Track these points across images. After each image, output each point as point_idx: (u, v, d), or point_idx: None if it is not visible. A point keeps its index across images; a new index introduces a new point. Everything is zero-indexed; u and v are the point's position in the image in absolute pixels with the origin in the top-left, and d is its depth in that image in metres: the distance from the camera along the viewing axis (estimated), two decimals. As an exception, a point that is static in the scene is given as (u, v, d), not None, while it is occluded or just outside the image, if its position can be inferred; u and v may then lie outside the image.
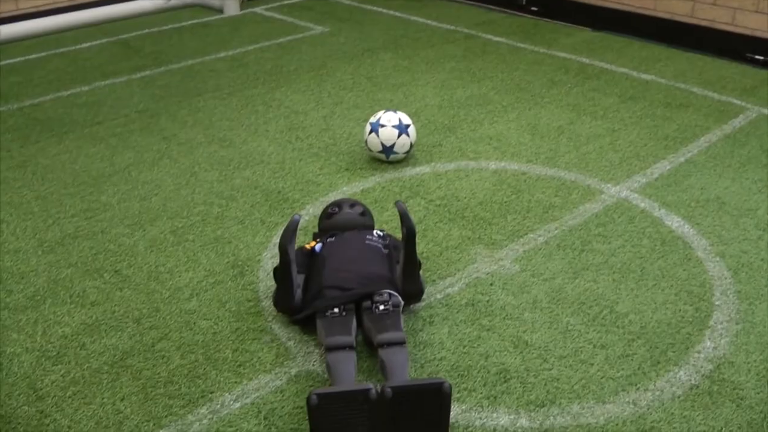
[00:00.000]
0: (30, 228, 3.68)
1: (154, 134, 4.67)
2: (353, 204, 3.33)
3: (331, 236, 3.15)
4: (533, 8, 7.01)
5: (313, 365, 2.75)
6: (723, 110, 4.82)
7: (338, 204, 3.33)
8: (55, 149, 4.50)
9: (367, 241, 3.10)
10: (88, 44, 6.46)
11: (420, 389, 2.34)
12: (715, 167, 4.10)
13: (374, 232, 3.19)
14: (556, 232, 3.55)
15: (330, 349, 2.61)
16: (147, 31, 6.79)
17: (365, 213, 3.33)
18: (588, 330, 2.91)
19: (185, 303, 3.11)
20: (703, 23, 5.94)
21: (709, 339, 2.85)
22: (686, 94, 5.09)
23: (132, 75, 5.69)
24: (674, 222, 3.60)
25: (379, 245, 3.10)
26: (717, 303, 3.04)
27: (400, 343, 2.62)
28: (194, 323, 2.99)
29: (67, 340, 2.92)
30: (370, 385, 2.33)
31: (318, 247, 3.10)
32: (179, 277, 3.28)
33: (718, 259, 3.32)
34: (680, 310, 3.01)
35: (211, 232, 3.60)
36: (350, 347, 2.62)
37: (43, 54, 6.24)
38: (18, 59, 6.13)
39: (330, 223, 3.27)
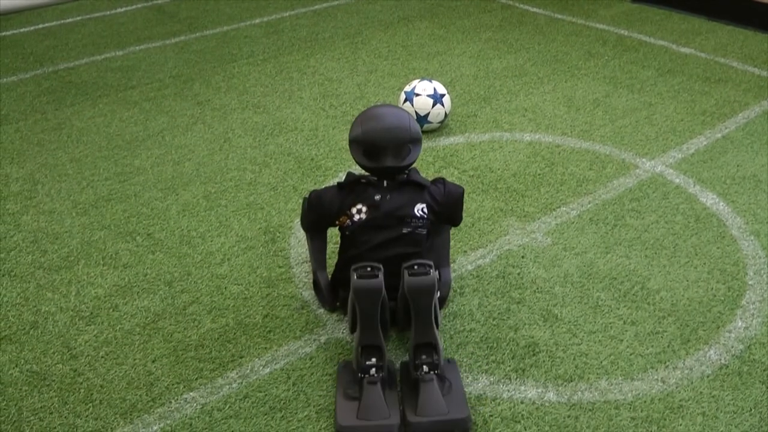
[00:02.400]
0: (65, 190, 3.72)
1: (188, 99, 4.68)
2: (399, 145, 2.59)
3: (361, 211, 2.65)
4: (572, -22, 6.89)
5: (343, 333, 2.76)
6: (763, 86, 4.72)
7: (377, 147, 2.59)
8: (90, 112, 4.53)
9: (405, 230, 2.65)
10: (123, 9, 6.48)
11: (444, 426, 2.38)
12: (753, 144, 4.03)
13: (417, 209, 2.65)
14: (589, 206, 3.52)
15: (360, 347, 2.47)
16: (182, -5, 6.79)
17: (412, 167, 2.70)
18: (618, 306, 2.89)
19: (216, 268, 3.14)
20: (746, -4, 5.81)
21: (741, 319, 2.82)
22: (726, 69, 4.99)
23: (166, 40, 5.70)
24: (709, 199, 3.55)
25: (421, 231, 2.66)
26: (750, 282, 3.00)
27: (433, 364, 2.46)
28: (225, 288, 3.02)
29: (100, 301, 2.97)
30: (394, 429, 2.35)
31: (348, 225, 2.66)
32: (211, 241, 3.30)
33: (752, 237, 3.27)
34: (712, 289, 2.97)
35: (243, 197, 3.62)
36: (379, 350, 2.47)
37: (78, 18, 6.27)
38: (54, 23, 6.16)
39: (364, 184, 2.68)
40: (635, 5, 6.32)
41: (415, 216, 2.64)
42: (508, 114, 4.41)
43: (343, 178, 2.72)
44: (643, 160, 3.90)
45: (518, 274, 3.07)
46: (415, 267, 2.46)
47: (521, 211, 3.49)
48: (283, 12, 6.29)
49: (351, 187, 2.66)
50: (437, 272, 2.61)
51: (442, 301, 2.81)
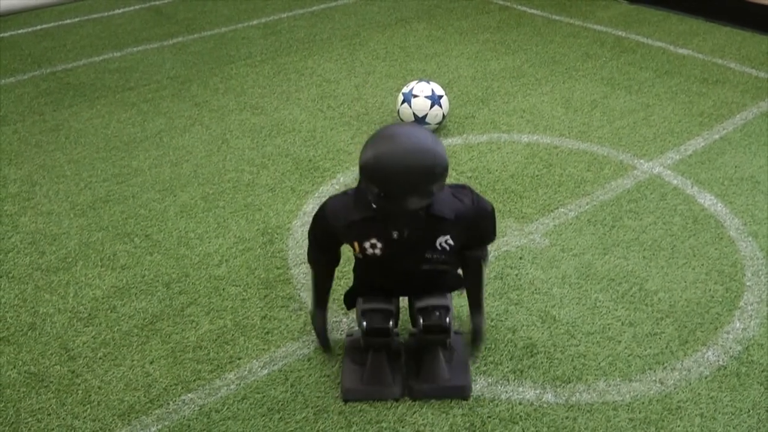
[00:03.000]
0: (62, 191, 3.72)
1: (186, 101, 4.68)
2: (414, 185, 2.08)
3: (375, 246, 2.29)
4: (569, -20, 6.90)
5: (341, 334, 2.76)
6: (761, 87, 4.73)
7: (395, 193, 2.09)
8: (88, 114, 4.53)
9: (425, 266, 2.36)
10: (121, 10, 6.48)
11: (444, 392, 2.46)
12: (750, 145, 4.03)
13: (439, 242, 2.29)
14: (587, 207, 3.52)
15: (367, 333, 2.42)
16: (180, -4, 6.79)
17: (432, 195, 2.15)
18: (616, 307, 2.89)
19: (215, 269, 3.13)
20: (744, -3, 5.82)
21: (739, 320, 2.82)
22: (723, 70, 5.00)
23: (164, 41, 5.70)
24: (707, 200, 3.56)
25: (443, 267, 2.38)
26: (748, 284, 3.01)
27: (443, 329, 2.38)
28: (223, 289, 3.01)
29: (98, 302, 2.96)
30: (397, 394, 2.47)
31: (359, 256, 2.38)
32: (209, 243, 3.30)
33: (750, 239, 3.28)
34: (710, 290, 2.98)
35: (241, 199, 3.62)
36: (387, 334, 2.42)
37: (76, 19, 6.26)
38: (51, 24, 6.16)
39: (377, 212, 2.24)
40: (633, 6, 6.33)
41: (436, 250, 2.30)
42: (505, 115, 4.41)
43: (353, 186, 2.35)
44: (641, 161, 3.90)
45: (516, 275, 3.07)
46: (430, 315, 2.38)
47: (519, 212, 3.49)
48: (281, 13, 6.29)
49: (365, 222, 2.25)
50: (451, 321, 2.44)
51: (476, 349, 2.57)
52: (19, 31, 6.00)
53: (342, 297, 2.69)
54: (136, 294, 3.00)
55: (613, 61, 5.19)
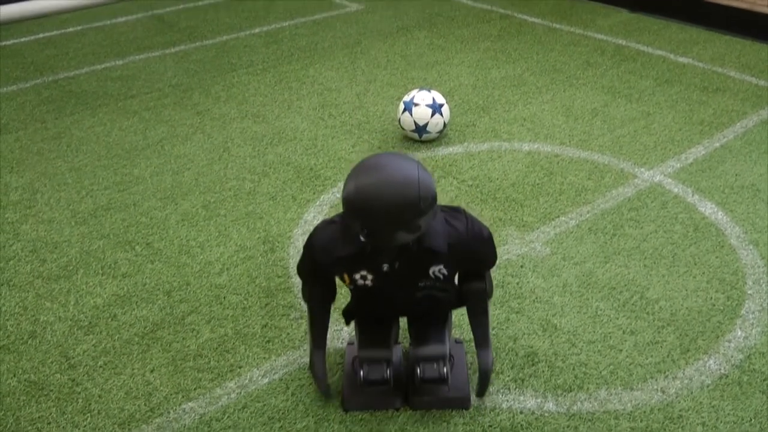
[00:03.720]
0: (64, 199, 3.72)
1: (188, 109, 4.69)
2: (399, 220, 2.00)
3: (366, 278, 2.24)
4: (570, -12, 6.92)
5: (341, 343, 2.76)
6: (761, 95, 4.73)
7: (370, 219, 2.01)
8: (90, 122, 4.54)
9: (419, 294, 2.30)
10: (123, 18, 6.50)
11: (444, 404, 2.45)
12: (751, 153, 4.03)
13: (433, 271, 2.23)
14: (588, 215, 3.52)
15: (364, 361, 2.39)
16: (182, 6, 6.81)
17: (419, 229, 2.06)
18: (618, 315, 2.89)
19: (215, 277, 3.13)
20: (743, 6, 5.82)
21: (740, 328, 2.82)
22: (723, 78, 5.01)
23: (166, 50, 5.72)
24: (707, 208, 3.56)
25: (437, 293, 2.32)
26: (749, 292, 3.01)
27: (440, 358, 2.36)
28: (224, 298, 3.01)
29: (99, 310, 2.96)
30: (397, 404, 2.46)
31: (351, 287, 2.33)
32: (210, 251, 3.30)
33: (751, 247, 3.28)
34: (711, 298, 2.97)
35: (242, 207, 3.62)
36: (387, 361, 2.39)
37: (79, 27, 6.28)
38: (54, 32, 6.18)
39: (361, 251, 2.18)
40: (633, 15, 6.34)
41: (430, 278, 2.24)
42: (506, 124, 4.42)
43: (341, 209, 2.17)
44: (642, 169, 3.90)
45: (517, 283, 3.07)
46: (428, 369, 2.35)
47: (520, 220, 3.49)
48: (283, 22, 6.30)
49: (353, 256, 2.19)
50: (449, 366, 2.42)
51: (482, 391, 2.48)
52: (22, 39, 6.02)
53: (341, 308, 2.68)
54: (136, 302, 3.00)
55: (614, 69, 5.20)
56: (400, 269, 2.19)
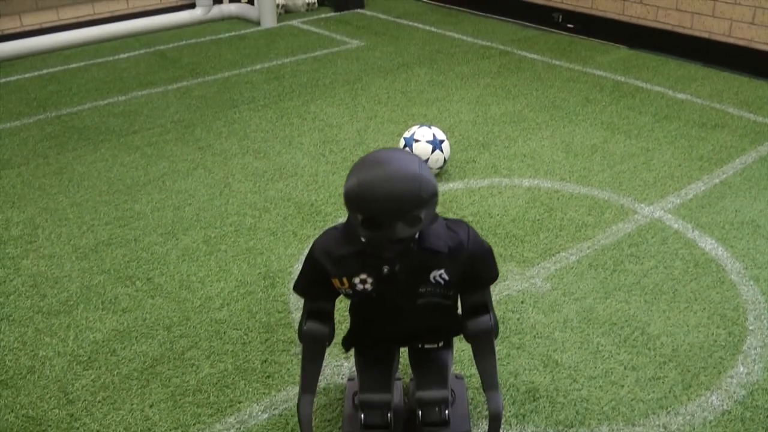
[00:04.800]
0: (65, 234, 3.73)
1: (189, 144, 4.72)
2: (399, 210, 1.97)
3: (365, 282, 2.20)
4: (569, 25, 7.00)
5: (342, 379, 2.75)
6: (759, 131, 4.76)
7: (371, 210, 1.99)
8: (91, 157, 4.56)
9: (420, 301, 2.24)
10: (126, 55, 6.56)
11: None
12: (750, 189, 4.05)
13: (434, 276, 2.19)
14: (588, 251, 3.52)
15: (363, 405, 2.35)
16: (185, 42, 6.88)
17: (421, 221, 2.03)
18: (619, 351, 2.88)
19: (216, 312, 3.13)
20: (741, 42, 5.88)
21: (743, 364, 2.81)
22: (722, 115, 5.04)
23: (169, 85, 5.76)
24: (708, 244, 3.56)
25: (439, 300, 2.26)
26: (751, 328, 3.00)
27: (441, 402, 2.32)
28: (224, 333, 3.01)
29: (98, 345, 2.95)
30: None
31: (349, 294, 2.26)
32: (210, 286, 3.30)
33: (752, 283, 3.28)
34: (713, 334, 2.97)
35: (243, 242, 3.63)
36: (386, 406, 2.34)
37: (82, 63, 6.34)
38: (58, 68, 6.24)
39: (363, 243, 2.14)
40: (632, 51, 6.40)
41: (430, 284, 2.20)
42: (506, 160, 4.44)
43: (344, 220, 2.20)
44: (642, 205, 3.91)
45: (518, 319, 3.06)
46: (430, 412, 2.31)
47: (520, 256, 3.49)
48: (284, 58, 6.37)
49: (355, 256, 2.16)
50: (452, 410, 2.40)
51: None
52: (26, 75, 6.08)
53: (341, 339, 2.67)
54: (136, 337, 3.00)
55: (613, 105, 5.24)
56: (401, 272, 2.16)
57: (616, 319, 3.05)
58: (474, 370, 2.76)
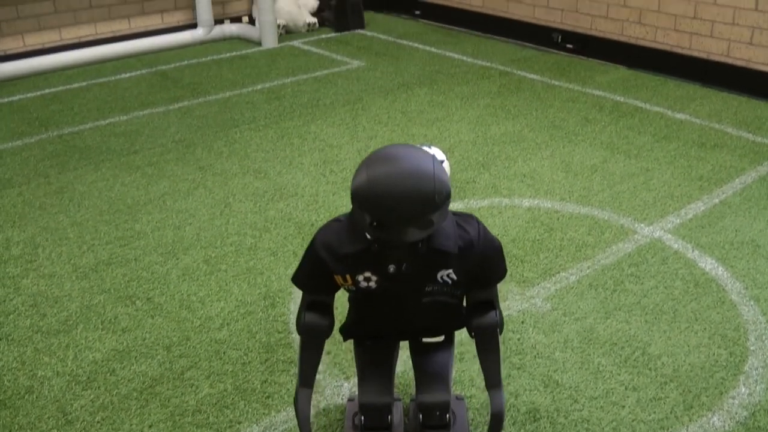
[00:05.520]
0: (65, 253, 3.73)
1: (190, 164, 4.73)
2: (412, 214, 1.88)
3: (369, 279, 2.11)
4: (568, 45, 7.03)
5: (342, 399, 2.74)
6: (758, 151, 4.78)
7: (381, 212, 1.89)
8: (92, 177, 4.57)
9: (425, 299, 2.16)
10: (127, 75, 6.59)
11: None
12: (750, 209, 4.05)
13: (441, 275, 2.12)
14: (588, 271, 3.52)
15: (362, 408, 2.31)
16: (186, 62, 6.91)
17: (431, 225, 1.93)
18: (620, 371, 2.87)
19: (216, 332, 3.12)
20: (739, 63, 5.91)
21: (744, 385, 2.80)
22: (721, 135, 5.06)
23: (170, 105, 5.79)
24: (708, 264, 3.56)
25: (445, 299, 2.19)
26: (752, 348, 2.99)
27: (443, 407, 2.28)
28: (224, 353, 3.00)
29: (98, 365, 2.95)
30: None
31: (352, 290, 2.19)
32: (210, 306, 3.30)
33: (752, 303, 3.27)
34: (714, 354, 2.96)
35: (243, 262, 3.63)
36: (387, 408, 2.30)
37: (84, 83, 6.37)
38: (60, 88, 6.26)
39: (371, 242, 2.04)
40: (631, 72, 6.43)
41: (437, 283, 2.13)
42: (506, 180, 4.45)
43: (348, 212, 2.11)
44: (642, 225, 3.92)
45: (518, 339, 3.06)
46: (431, 415, 2.27)
47: (520, 276, 3.49)
48: (285, 78, 6.39)
49: (359, 254, 2.07)
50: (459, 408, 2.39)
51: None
52: (28, 95, 6.10)
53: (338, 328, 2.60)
54: (136, 357, 2.99)
55: (612, 125, 5.25)
56: (407, 272, 2.06)
57: (616, 339, 3.05)
58: (475, 390, 2.76)
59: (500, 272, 2.21)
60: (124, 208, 4.18)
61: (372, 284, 2.11)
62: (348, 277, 2.11)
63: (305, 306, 2.22)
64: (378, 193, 1.86)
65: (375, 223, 1.90)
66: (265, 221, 4.01)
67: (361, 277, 2.10)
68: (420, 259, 2.04)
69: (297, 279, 2.23)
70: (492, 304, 2.23)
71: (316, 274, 2.15)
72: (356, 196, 1.92)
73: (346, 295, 2.27)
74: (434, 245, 2.03)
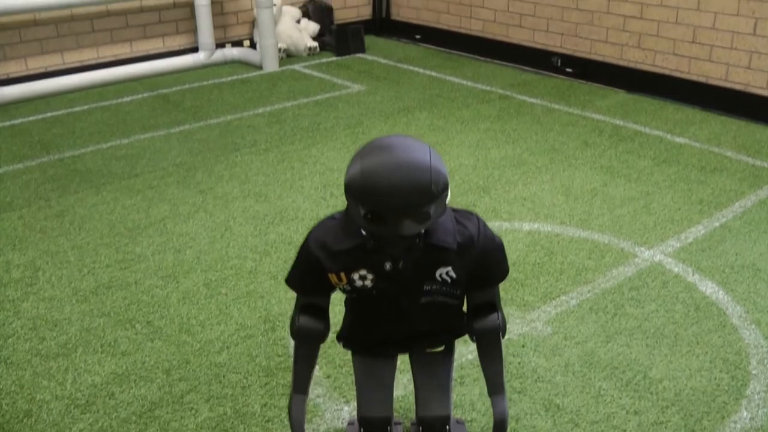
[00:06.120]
0: (65, 277, 3.73)
1: (191, 187, 4.74)
2: (408, 206, 1.82)
3: (365, 278, 2.03)
4: (568, 70, 7.07)
5: (342, 423, 2.73)
6: (758, 175, 4.79)
7: (375, 203, 1.82)
8: (93, 200, 4.58)
9: (423, 299, 2.09)
10: (129, 98, 6.62)
11: None
12: (750, 233, 4.05)
13: (440, 273, 2.04)
14: (588, 294, 3.52)
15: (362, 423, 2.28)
16: (187, 86, 6.94)
17: (430, 217, 1.88)
18: (621, 395, 2.86)
19: (215, 356, 3.12)
20: (738, 87, 5.94)
21: (746, 409, 2.79)
22: (720, 158, 5.07)
23: (171, 129, 5.81)
24: (708, 287, 3.56)
25: (444, 299, 2.11)
26: (754, 372, 2.98)
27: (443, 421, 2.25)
28: (224, 376, 2.99)
29: (97, 389, 2.94)
30: None
31: (347, 289, 2.10)
32: (210, 329, 3.29)
33: (753, 326, 3.26)
34: (715, 378, 2.95)
35: (244, 286, 3.62)
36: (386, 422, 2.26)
37: (85, 107, 6.39)
38: (62, 111, 6.29)
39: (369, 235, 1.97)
40: (630, 96, 6.46)
41: (436, 281, 2.04)
42: (506, 203, 4.45)
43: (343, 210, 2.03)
44: (642, 248, 3.92)
45: (519, 363, 3.05)
46: (431, 427, 2.23)
47: (521, 300, 3.49)
48: (286, 102, 6.42)
49: (354, 251, 2.00)
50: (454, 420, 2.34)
51: None
52: (30, 118, 6.12)
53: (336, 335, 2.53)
54: (135, 381, 2.98)
55: (612, 149, 5.27)
56: (404, 269, 1.99)
57: (617, 363, 3.04)
58: (476, 414, 2.75)
59: (502, 271, 2.14)
60: (125, 231, 4.18)
61: (368, 283, 2.03)
62: (342, 275, 2.03)
63: (299, 309, 2.15)
64: (372, 183, 1.79)
65: (369, 216, 1.83)
66: (265, 245, 4.01)
67: (356, 276, 2.02)
68: (417, 255, 1.98)
69: (290, 280, 2.16)
70: (493, 306, 2.16)
71: (310, 273, 2.08)
72: (350, 187, 1.85)
73: (342, 301, 2.22)
74: (432, 241, 1.96)
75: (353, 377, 2.34)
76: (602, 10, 6.72)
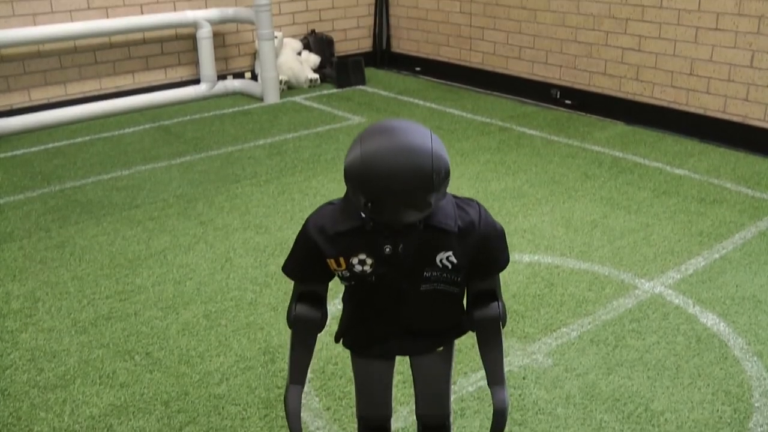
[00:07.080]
0: (65, 308, 3.72)
1: (191, 219, 4.75)
2: (409, 195, 1.79)
3: (364, 262, 1.98)
4: (567, 101, 7.12)
5: (343, 431, 2.71)
6: (757, 206, 4.79)
7: (375, 192, 1.79)
8: (94, 231, 4.58)
9: (423, 286, 2.03)
10: (131, 129, 6.65)
11: None
12: (751, 264, 4.05)
13: (440, 258, 1.99)
14: (589, 326, 3.51)
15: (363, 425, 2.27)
16: (189, 117, 6.98)
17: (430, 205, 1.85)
18: (623, 428, 2.84)
19: (215, 387, 3.10)
20: (735, 119, 5.97)
21: (748, 442, 2.77)
22: (720, 190, 5.08)
23: (172, 160, 5.83)
24: (709, 319, 3.55)
25: (445, 287, 2.05)
26: (756, 404, 2.97)
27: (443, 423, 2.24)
28: (223, 408, 2.97)
29: (95, 420, 2.92)
30: None
31: (345, 275, 2.03)
32: (210, 361, 3.28)
33: (755, 359, 3.25)
34: (718, 411, 2.93)
35: (243, 317, 3.62)
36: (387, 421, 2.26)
37: (87, 138, 6.42)
38: (64, 142, 6.32)
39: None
40: (629, 127, 6.49)
41: (437, 267, 1.99)
42: (507, 235, 4.44)
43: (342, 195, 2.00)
44: (642, 280, 3.91)
45: (519, 395, 3.03)
46: (431, 421, 2.23)
47: (521, 332, 3.48)
48: (287, 134, 6.45)
49: (353, 234, 1.96)
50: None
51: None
52: (32, 149, 6.15)
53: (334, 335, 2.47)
54: (133, 412, 2.96)
55: (612, 181, 5.28)
56: (404, 253, 1.95)
57: (619, 395, 3.02)
58: (476, 423, 2.73)
59: (503, 259, 2.12)
60: (125, 262, 4.18)
61: (367, 268, 1.98)
62: (341, 260, 2.00)
63: (296, 297, 2.12)
64: (372, 171, 1.76)
65: (370, 204, 1.80)
66: (265, 276, 4.01)
67: (355, 260, 1.98)
68: (417, 239, 1.94)
69: (287, 267, 2.12)
70: (494, 294, 2.13)
71: (307, 260, 2.05)
72: (348, 174, 1.82)
73: (341, 298, 2.18)
74: (432, 223, 1.93)
75: (352, 377, 2.29)
76: (600, 43, 6.78)
